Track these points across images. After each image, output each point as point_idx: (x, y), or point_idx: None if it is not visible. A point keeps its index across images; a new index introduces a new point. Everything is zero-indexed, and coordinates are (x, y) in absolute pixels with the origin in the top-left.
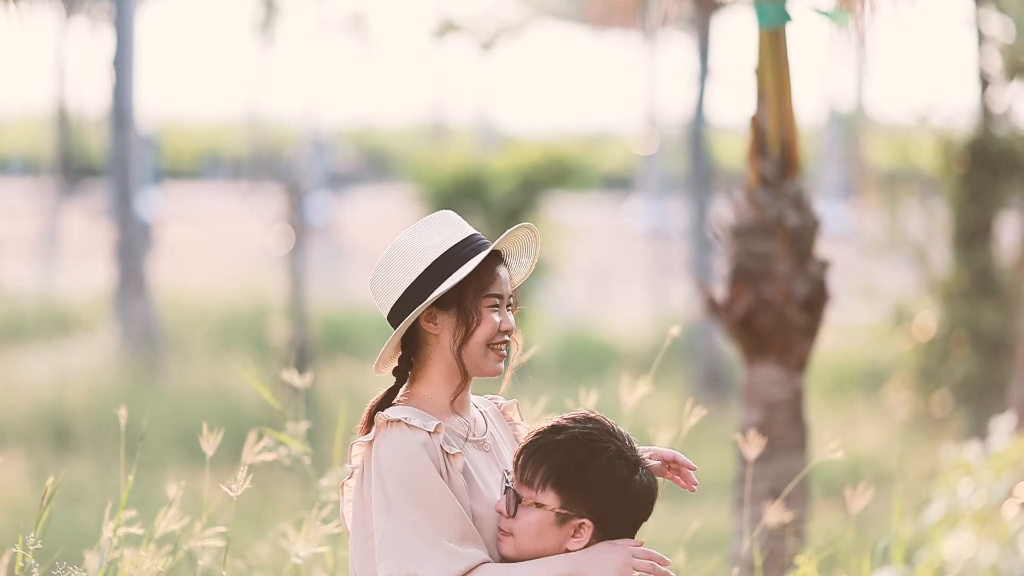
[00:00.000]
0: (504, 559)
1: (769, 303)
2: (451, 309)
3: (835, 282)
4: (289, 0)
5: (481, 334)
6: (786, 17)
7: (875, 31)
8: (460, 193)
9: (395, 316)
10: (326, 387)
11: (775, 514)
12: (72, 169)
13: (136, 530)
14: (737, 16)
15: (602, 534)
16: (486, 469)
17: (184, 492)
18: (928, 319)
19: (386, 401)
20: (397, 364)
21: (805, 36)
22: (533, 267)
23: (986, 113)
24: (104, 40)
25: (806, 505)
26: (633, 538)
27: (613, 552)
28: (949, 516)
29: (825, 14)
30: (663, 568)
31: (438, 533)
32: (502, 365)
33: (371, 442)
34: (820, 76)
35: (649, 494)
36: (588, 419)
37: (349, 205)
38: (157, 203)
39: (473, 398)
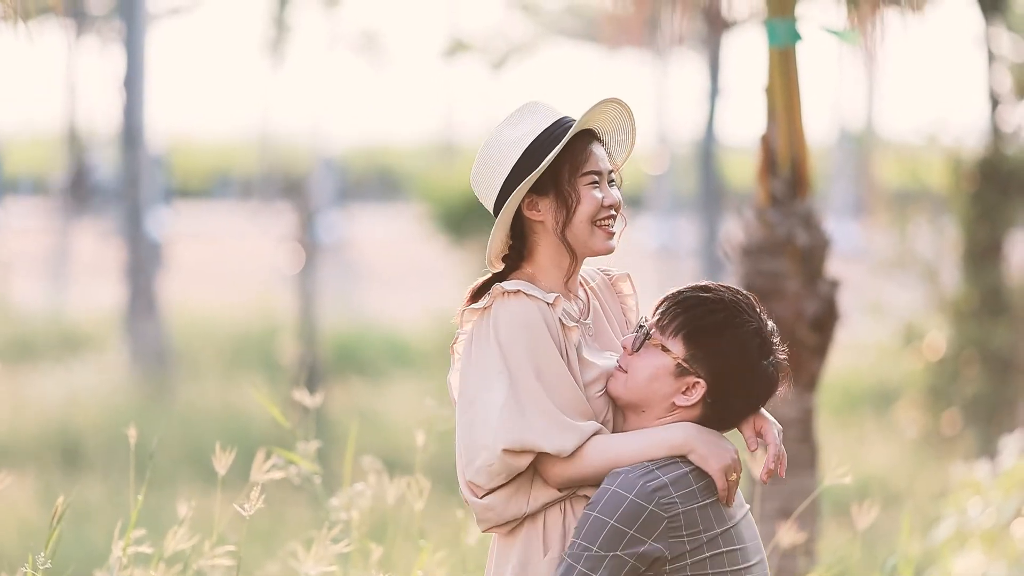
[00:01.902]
0: (610, 396)
1: (779, 322)
2: (550, 193)
3: (845, 301)
4: (300, 18)
5: (583, 212)
6: (796, 36)
7: (885, 50)
8: (471, 212)
9: (499, 210)
10: (336, 406)
11: (788, 535)
12: (82, 188)
13: (146, 549)
14: (747, 35)
15: (710, 404)
16: (592, 356)
17: (194, 511)
18: (938, 338)
19: (489, 284)
20: (508, 254)
21: (815, 55)
22: (634, 143)
23: (996, 132)
24: (114, 59)
25: (816, 524)
26: (737, 427)
27: (724, 444)
28: (958, 535)
29: (835, 33)
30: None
31: (556, 405)
32: (613, 242)
33: (486, 308)
34: (830, 95)
35: (770, 385)
36: (741, 292)
37: (360, 224)
38: (167, 222)
39: (582, 270)
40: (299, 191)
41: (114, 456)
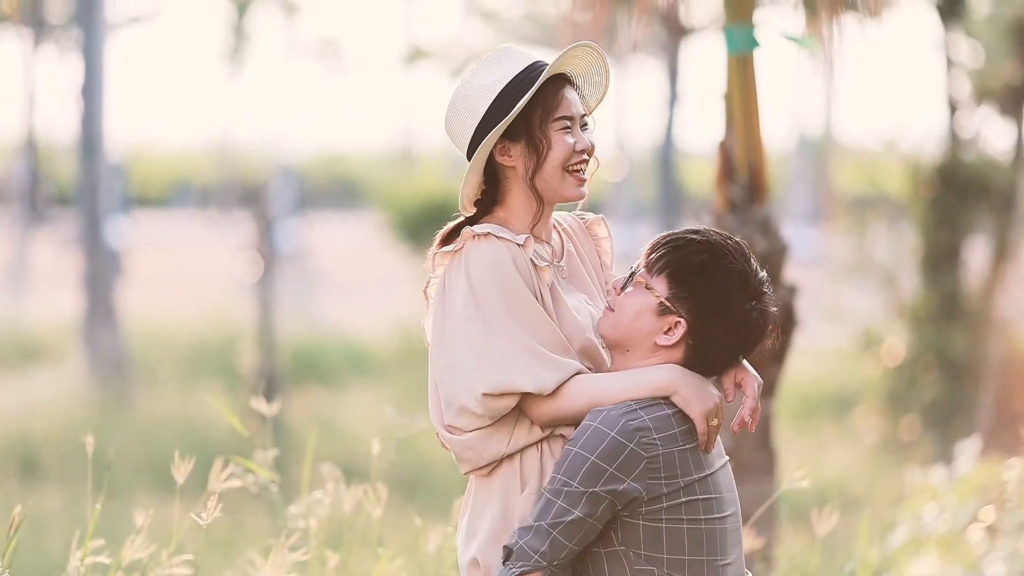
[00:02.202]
0: (599, 335)
1: None
2: (521, 139)
3: (803, 307)
4: (258, 27)
5: (554, 158)
6: (754, 43)
7: (843, 56)
8: (430, 219)
9: (471, 156)
10: (295, 415)
11: (745, 540)
12: (41, 197)
13: (104, 559)
14: (706, 42)
15: (692, 345)
16: (567, 295)
17: (152, 520)
18: (896, 343)
19: (462, 226)
20: (480, 198)
21: (774, 61)
22: (608, 86)
23: (954, 138)
24: (73, 68)
25: (774, 530)
26: (720, 374)
27: (709, 389)
28: (914, 540)
29: (793, 39)
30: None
31: (534, 343)
32: (584, 189)
33: (456, 251)
34: (789, 101)
35: (753, 330)
36: (732, 238)
37: (319, 232)
38: (126, 231)
39: (556, 215)
40: (258, 199)
41: (72, 465)
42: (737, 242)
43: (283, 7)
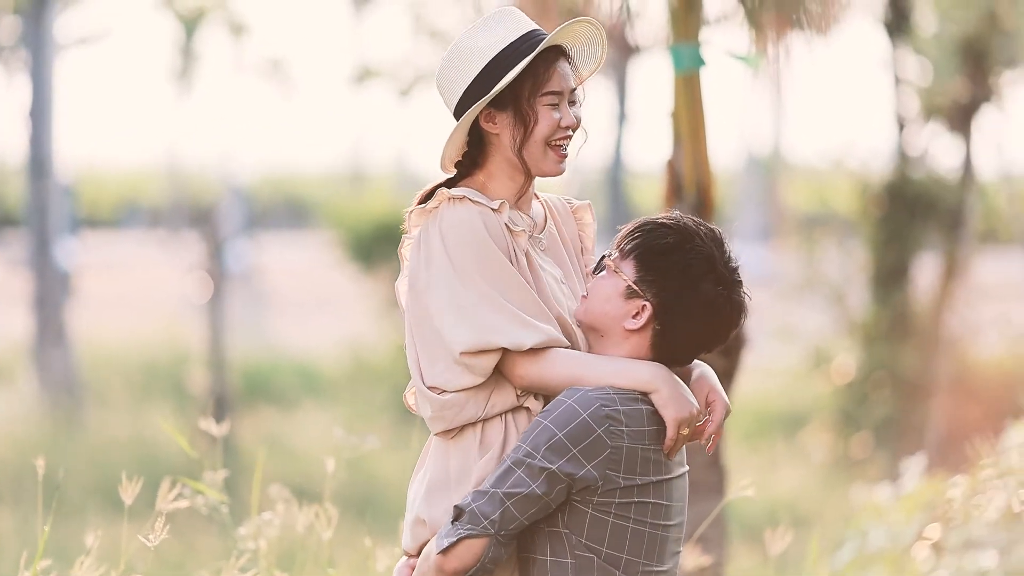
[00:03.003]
0: (576, 319)
1: None
2: (508, 108)
3: (753, 325)
4: (207, 47)
5: (539, 132)
6: (700, 61)
7: (790, 75)
8: (380, 239)
9: (458, 115)
10: (245, 435)
11: (692, 558)
12: None
13: None
14: (653, 61)
15: (659, 331)
16: (542, 263)
17: (102, 541)
18: (847, 361)
19: (444, 186)
20: (461, 160)
21: (722, 80)
22: (603, 59)
23: (903, 155)
24: (21, 89)
25: (724, 548)
26: (690, 362)
27: (689, 398)
28: (860, 558)
29: (739, 58)
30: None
31: (508, 304)
32: (563, 166)
33: (431, 211)
34: (738, 120)
35: (719, 315)
36: (706, 224)
37: (269, 252)
38: (76, 252)
39: (543, 195)
40: (207, 220)
41: (22, 487)
42: (710, 228)
43: (230, 27)
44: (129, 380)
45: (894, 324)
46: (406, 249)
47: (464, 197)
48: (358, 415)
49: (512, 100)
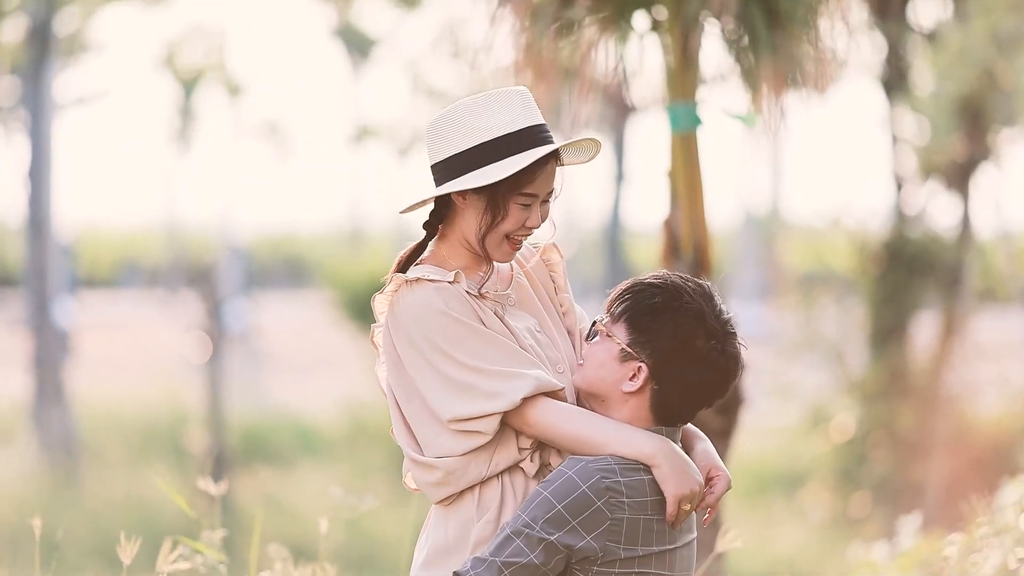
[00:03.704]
0: (575, 387)
1: None
2: (483, 193)
3: (752, 384)
4: (205, 108)
5: (504, 227)
6: (697, 121)
7: (788, 133)
8: None
9: (435, 172)
10: (244, 495)
11: None
12: None
13: None
14: (651, 120)
15: (657, 390)
16: (512, 319)
17: None
18: (846, 420)
19: (414, 255)
20: (428, 219)
21: (719, 139)
22: (592, 159)
23: (901, 214)
24: (20, 149)
25: None
26: (692, 418)
27: (691, 473)
28: None
29: (737, 117)
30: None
31: (492, 364)
32: (513, 256)
33: (392, 299)
34: (735, 179)
35: (716, 370)
36: (695, 280)
37: (267, 311)
38: (74, 312)
39: None
40: (206, 279)
41: (20, 547)
42: (698, 283)
43: (228, 88)
44: (127, 440)
45: (892, 382)
46: (378, 337)
47: (418, 279)
48: (356, 474)
49: (489, 188)
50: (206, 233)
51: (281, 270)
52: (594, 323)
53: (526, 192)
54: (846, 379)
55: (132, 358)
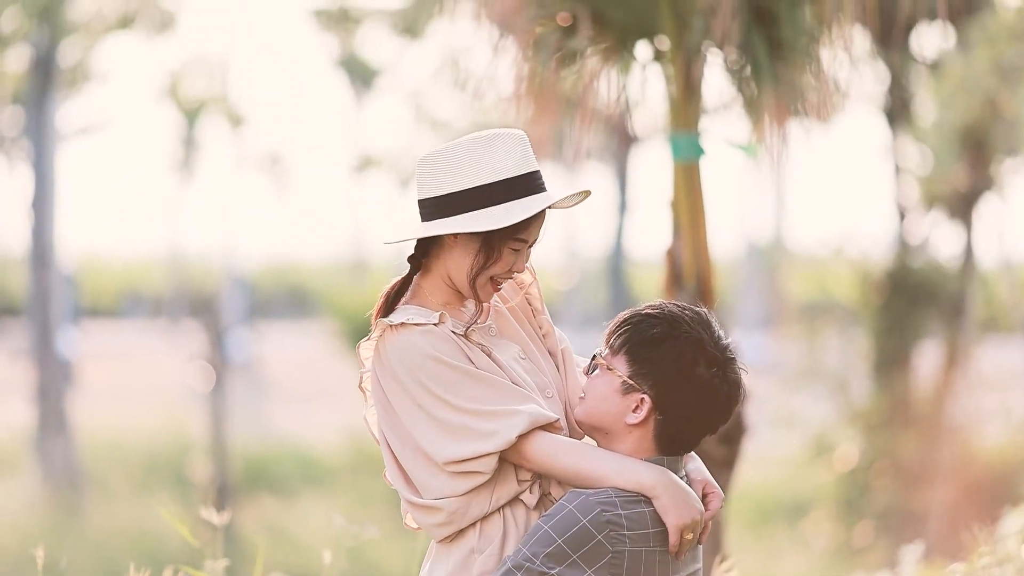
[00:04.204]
0: (577, 421)
1: None
2: (477, 236)
3: (755, 413)
4: (208, 137)
5: (493, 270)
6: (699, 151)
7: (790, 163)
8: None
9: (424, 207)
10: (246, 524)
11: None
12: None
13: None
14: (653, 149)
15: (660, 421)
16: (497, 351)
17: None
18: (849, 449)
19: (399, 292)
20: (413, 251)
21: (722, 169)
22: (579, 203)
23: (903, 244)
24: (23, 179)
25: None
26: (696, 445)
27: (691, 503)
28: None
29: (739, 147)
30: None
31: (480, 403)
32: (491, 299)
33: (377, 344)
34: (738, 209)
35: (718, 397)
36: (691, 308)
37: (270, 341)
38: (77, 342)
39: None
40: (209, 309)
41: None
42: (695, 311)
43: (230, 119)
44: (130, 469)
45: (895, 412)
46: (366, 383)
47: (403, 323)
48: (358, 504)
49: (484, 233)
50: (209, 263)
51: (284, 300)
52: (594, 356)
53: (519, 238)
54: (849, 408)
55: (135, 388)
